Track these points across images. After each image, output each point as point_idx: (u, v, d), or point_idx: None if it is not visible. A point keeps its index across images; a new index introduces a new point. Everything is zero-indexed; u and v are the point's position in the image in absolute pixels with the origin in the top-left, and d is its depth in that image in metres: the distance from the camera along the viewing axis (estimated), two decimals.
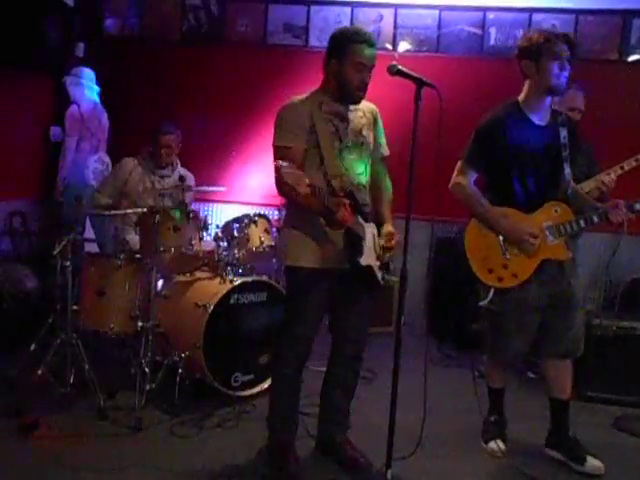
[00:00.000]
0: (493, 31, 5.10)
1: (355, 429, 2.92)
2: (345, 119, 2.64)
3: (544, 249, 2.79)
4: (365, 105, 2.73)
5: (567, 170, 2.81)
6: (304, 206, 2.50)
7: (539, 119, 2.82)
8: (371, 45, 2.56)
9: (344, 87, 2.58)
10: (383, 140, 2.82)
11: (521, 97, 2.84)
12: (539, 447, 3.01)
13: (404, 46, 5.19)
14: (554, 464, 2.92)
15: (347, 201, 2.47)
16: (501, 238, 2.81)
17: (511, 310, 2.82)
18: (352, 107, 2.67)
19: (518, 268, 2.80)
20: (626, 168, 3.07)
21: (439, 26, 5.16)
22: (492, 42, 5.11)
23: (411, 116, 2.31)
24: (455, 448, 3.05)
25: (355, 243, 2.56)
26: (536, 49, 2.75)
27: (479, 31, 5.11)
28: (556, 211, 2.82)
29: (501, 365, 3.07)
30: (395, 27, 5.21)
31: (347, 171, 2.62)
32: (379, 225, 2.73)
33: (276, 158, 2.56)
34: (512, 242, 2.79)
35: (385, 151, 2.83)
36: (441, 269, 5.00)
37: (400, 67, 2.37)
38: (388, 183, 2.84)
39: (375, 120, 2.76)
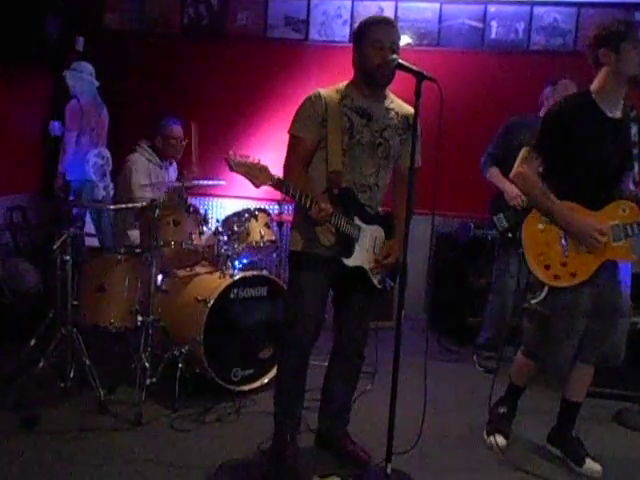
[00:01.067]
0: (494, 24, 5.07)
1: (355, 423, 2.92)
2: (367, 115, 2.58)
3: (608, 249, 2.64)
4: (402, 108, 2.67)
5: (637, 169, 2.65)
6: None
7: (611, 112, 2.65)
8: (387, 23, 2.55)
9: (366, 69, 2.54)
10: (414, 150, 2.41)
11: (594, 87, 2.67)
12: (539, 442, 3.01)
13: (404, 40, 5.16)
14: (554, 461, 2.91)
15: (320, 196, 2.44)
16: (563, 233, 2.67)
17: (564, 313, 2.68)
18: (383, 106, 2.61)
19: (578, 267, 2.65)
20: None
21: (440, 19, 5.13)
22: (493, 35, 5.08)
23: (411, 109, 2.30)
24: (455, 442, 3.05)
25: (345, 243, 2.55)
26: (616, 36, 2.57)
27: (480, 24, 5.08)
28: (624, 210, 2.66)
29: (548, 373, 2.95)
30: (396, 20, 5.18)
31: (352, 168, 2.57)
32: (394, 236, 2.67)
33: (289, 145, 2.61)
34: (575, 238, 2.64)
35: (409, 162, 2.41)
36: (441, 263, 5.01)
37: (401, 61, 2.36)
38: (405, 195, 2.42)
39: (409, 125, 2.64)
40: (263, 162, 2.34)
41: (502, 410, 3.03)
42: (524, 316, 2.83)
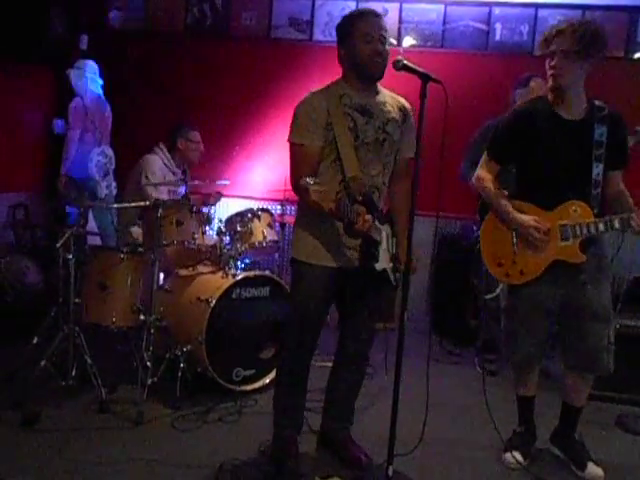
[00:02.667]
0: (499, 26, 5.07)
1: (356, 425, 2.92)
2: (367, 112, 2.51)
3: (556, 249, 2.67)
4: (396, 100, 2.64)
5: (596, 170, 2.63)
6: (323, 213, 2.33)
7: (569, 114, 2.66)
8: (373, 15, 2.50)
9: (358, 63, 2.48)
10: (412, 141, 2.54)
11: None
12: (541, 444, 3.00)
13: (409, 41, 5.17)
14: (557, 463, 2.90)
15: (363, 208, 2.35)
16: (514, 232, 2.74)
17: (520, 310, 2.76)
18: (378, 100, 2.56)
19: (526, 265, 2.72)
20: None
21: (444, 21, 5.13)
22: (498, 38, 5.08)
23: (416, 112, 2.29)
24: (457, 445, 3.05)
25: (372, 249, 2.49)
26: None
27: (484, 26, 5.08)
28: (575, 211, 2.67)
29: (514, 368, 2.94)
30: (400, 22, 5.18)
31: (361, 171, 2.48)
32: (398, 233, 2.63)
33: (291, 154, 2.51)
34: (522, 237, 2.71)
35: (411, 153, 2.60)
36: (444, 265, 5.00)
37: (406, 62, 2.34)
38: (407, 189, 2.48)
39: (405, 117, 2.63)
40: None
41: (519, 429, 2.97)
42: (485, 313, 2.91)
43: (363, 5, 5.18)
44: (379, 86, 2.62)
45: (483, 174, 2.82)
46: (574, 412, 2.88)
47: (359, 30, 2.47)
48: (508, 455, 2.87)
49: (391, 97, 2.64)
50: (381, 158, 2.57)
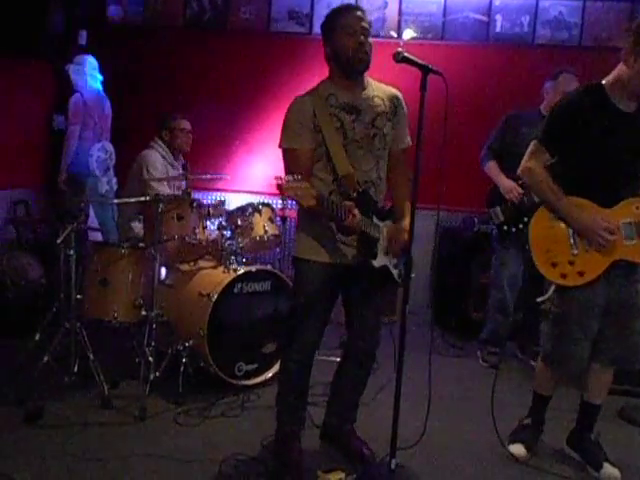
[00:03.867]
0: (499, 18, 5.05)
1: (359, 418, 2.91)
2: (354, 109, 2.52)
3: (619, 249, 2.55)
4: (385, 91, 2.62)
5: None
6: (313, 213, 2.40)
7: (625, 106, 2.54)
8: (354, 9, 2.51)
9: (342, 58, 2.48)
10: (405, 130, 2.67)
11: (608, 80, 2.56)
12: (551, 442, 2.97)
13: (409, 34, 5.15)
14: (569, 462, 2.88)
15: (350, 204, 2.35)
16: (571, 231, 2.59)
17: (577, 313, 2.60)
18: (366, 95, 2.55)
19: (586, 266, 2.56)
20: None
21: (444, 13, 5.11)
22: (498, 29, 5.06)
23: (417, 104, 2.28)
24: (459, 438, 3.05)
25: (369, 245, 2.48)
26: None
27: (485, 18, 5.06)
28: (637, 208, 2.57)
29: (563, 375, 2.80)
30: (400, 14, 5.16)
31: (354, 169, 2.49)
32: (397, 220, 2.60)
33: (284, 160, 2.52)
34: (584, 236, 2.56)
35: (405, 143, 2.67)
36: (446, 259, 4.99)
37: (406, 54, 2.32)
38: (406, 177, 2.62)
39: (396, 108, 2.61)
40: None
41: (526, 421, 2.93)
42: (541, 318, 2.73)
43: None
44: (367, 79, 2.60)
45: (533, 165, 2.64)
46: (594, 411, 2.82)
47: (340, 24, 2.48)
48: (513, 447, 2.86)
49: (380, 89, 2.62)
50: (373, 152, 2.57)
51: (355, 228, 2.37)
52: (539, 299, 2.67)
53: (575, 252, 2.58)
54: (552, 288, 2.63)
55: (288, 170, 2.49)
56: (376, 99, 2.58)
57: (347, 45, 2.45)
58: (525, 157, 2.70)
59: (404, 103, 2.66)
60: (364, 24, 2.48)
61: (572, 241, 2.60)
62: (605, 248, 2.55)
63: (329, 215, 2.35)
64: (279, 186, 2.16)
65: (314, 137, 2.49)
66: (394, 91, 2.65)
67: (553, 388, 2.88)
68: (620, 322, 2.63)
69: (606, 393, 2.81)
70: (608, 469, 2.72)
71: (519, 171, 2.73)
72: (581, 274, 2.57)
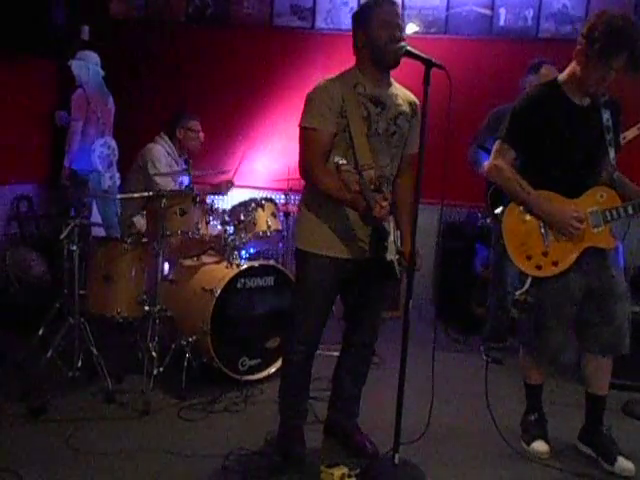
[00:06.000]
0: (503, 11, 5.01)
1: (363, 413, 2.92)
2: (380, 103, 2.51)
3: (588, 236, 2.64)
4: (406, 95, 2.63)
5: (612, 154, 2.64)
6: (339, 200, 2.41)
7: (580, 100, 2.64)
8: (392, 3, 2.50)
9: (376, 49, 2.46)
10: (417, 137, 2.52)
11: (563, 76, 2.67)
12: (558, 435, 2.96)
13: (412, 28, 5.12)
14: (574, 456, 2.87)
15: (379, 195, 2.35)
16: (542, 223, 2.66)
17: (551, 302, 2.68)
18: (391, 92, 2.55)
19: (559, 256, 2.64)
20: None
21: (447, 7, 5.08)
22: (502, 23, 5.03)
23: (420, 98, 2.28)
24: (462, 432, 3.05)
25: (382, 239, 2.47)
26: (597, 40, 2.49)
27: (488, 12, 5.03)
28: (602, 196, 2.66)
29: (542, 363, 2.89)
30: (403, 8, 5.12)
31: (373, 162, 2.47)
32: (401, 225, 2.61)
33: (302, 139, 2.49)
34: (554, 227, 2.64)
35: (414, 149, 2.59)
36: (449, 254, 4.99)
37: (409, 48, 2.33)
38: (411, 181, 2.58)
39: (414, 112, 2.61)
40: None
41: (533, 417, 2.93)
42: (515, 308, 2.81)
43: None
44: (391, 79, 2.61)
45: (500, 163, 2.71)
46: (599, 402, 2.82)
47: (376, 18, 2.46)
48: (536, 445, 2.85)
49: (403, 92, 2.64)
50: (390, 150, 2.56)
51: (381, 219, 2.36)
52: (517, 292, 2.74)
53: (547, 243, 2.66)
54: (529, 280, 2.70)
55: (305, 150, 2.48)
56: (399, 98, 2.59)
57: (380, 36, 2.44)
58: (491, 156, 2.77)
59: (419, 111, 2.62)
60: (400, 21, 2.48)
61: (543, 232, 2.67)
62: (576, 237, 2.63)
63: (355, 206, 2.36)
64: (337, 166, 2.24)
65: (338, 122, 2.45)
66: (413, 97, 2.65)
67: (541, 376, 2.92)
68: (601, 308, 2.70)
69: (607, 383, 2.83)
70: (622, 462, 2.72)
71: (486, 170, 2.80)
72: (555, 264, 2.65)
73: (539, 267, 2.67)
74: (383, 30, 2.44)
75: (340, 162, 2.26)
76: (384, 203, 2.32)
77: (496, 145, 2.76)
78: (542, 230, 2.68)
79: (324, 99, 2.45)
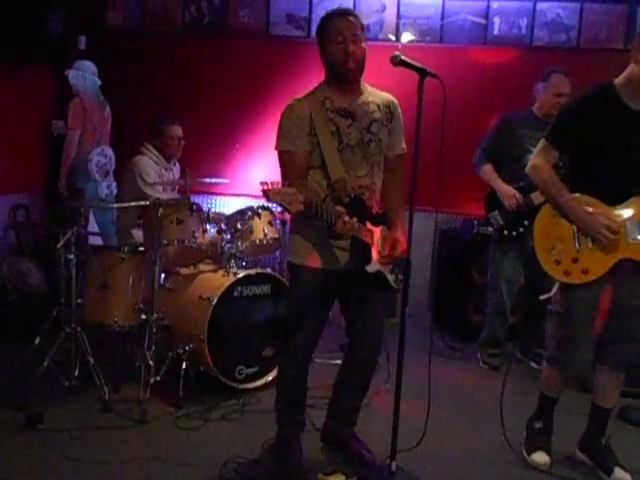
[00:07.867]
0: (497, 20, 5.05)
1: (359, 420, 2.91)
2: (350, 115, 2.51)
3: (624, 247, 2.53)
4: (381, 97, 2.61)
5: None
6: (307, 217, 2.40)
7: (636, 104, 2.53)
8: (342, 15, 2.49)
9: (333, 66, 2.48)
10: (400, 137, 2.67)
11: (619, 79, 2.57)
12: (559, 444, 2.94)
13: (407, 37, 5.16)
14: (574, 465, 2.86)
15: (341, 209, 2.36)
16: (575, 228, 2.57)
17: (580, 313, 2.58)
18: (362, 100, 2.55)
19: (590, 264, 2.54)
20: None
21: (442, 16, 5.11)
22: (496, 32, 5.06)
23: (414, 107, 2.29)
24: (459, 440, 3.05)
25: (362, 250, 2.48)
26: None
27: (483, 21, 5.06)
28: None
29: (567, 376, 2.79)
30: (398, 17, 5.17)
31: (347, 174, 2.48)
32: (390, 227, 2.60)
33: (280, 162, 2.52)
34: (586, 234, 2.55)
35: (400, 149, 2.67)
36: (445, 260, 5.00)
37: (403, 57, 2.34)
38: (401, 183, 2.65)
39: (392, 114, 2.61)
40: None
41: (538, 425, 2.87)
42: (547, 319, 2.76)
43: (361, 0, 5.18)
44: (363, 85, 2.60)
45: (540, 162, 2.64)
46: (604, 415, 2.79)
47: (332, 32, 2.47)
48: (535, 457, 2.80)
49: (377, 95, 2.62)
50: (368, 158, 2.56)
51: (345, 233, 2.37)
52: (542, 297, 2.67)
53: (578, 249, 2.56)
54: (556, 286, 2.62)
55: (284, 172, 2.49)
56: (372, 105, 2.57)
57: (334, 52, 2.46)
58: (533, 155, 2.71)
59: (400, 109, 2.65)
60: (355, 30, 2.46)
61: (576, 238, 2.58)
62: (607, 246, 2.53)
63: (319, 220, 2.33)
64: (264, 192, 2.16)
65: (310, 140, 2.48)
66: (390, 97, 2.65)
67: (560, 390, 2.84)
68: (626, 324, 2.61)
69: (616, 396, 2.79)
70: (619, 473, 2.70)
71: (527, 169, 2.72)
72: (585, 272, 2.55)
73: (567, 273, 2.57)
74: (334, 45, 2.45)
75: (270, 184, 2.17)
76: (346, 218, 2.32)
77: (539, 144, 2.70)
78: (575, 235, 2.58)
79: (293, 119, 2.48)
